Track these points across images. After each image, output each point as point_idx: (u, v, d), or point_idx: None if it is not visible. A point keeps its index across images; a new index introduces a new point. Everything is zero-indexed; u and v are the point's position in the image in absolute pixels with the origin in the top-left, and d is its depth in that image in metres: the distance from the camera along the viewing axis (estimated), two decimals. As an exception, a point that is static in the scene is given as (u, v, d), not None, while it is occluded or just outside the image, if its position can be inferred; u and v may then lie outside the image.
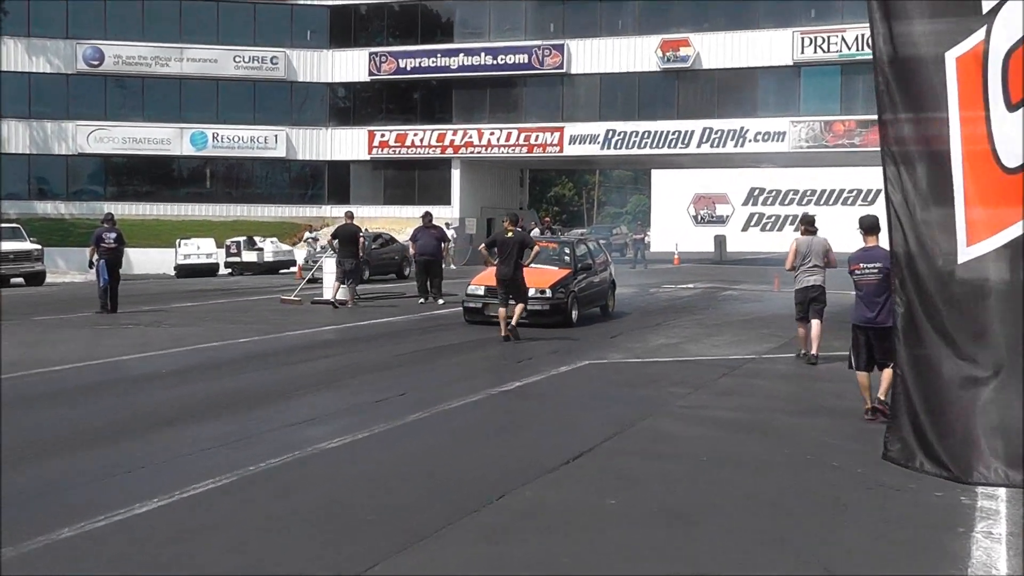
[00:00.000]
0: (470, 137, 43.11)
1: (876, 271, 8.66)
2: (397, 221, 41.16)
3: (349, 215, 21.38)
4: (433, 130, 43.70)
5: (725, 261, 43.68)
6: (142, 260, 36.60)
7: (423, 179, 44.52)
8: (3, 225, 31.27)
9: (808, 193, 56.08)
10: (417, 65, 43.82)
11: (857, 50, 37.67)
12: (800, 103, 39.71)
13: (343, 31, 45.33)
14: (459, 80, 43.63)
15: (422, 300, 20.71)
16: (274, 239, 38.36)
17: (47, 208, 44.26)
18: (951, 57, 6.84)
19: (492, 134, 42.80)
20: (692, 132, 40.54)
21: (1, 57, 43.13)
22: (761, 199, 57.84)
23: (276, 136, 45.03)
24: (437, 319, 17.94)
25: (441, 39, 44.29)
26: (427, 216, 21.85)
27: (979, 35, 6.75)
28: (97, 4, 43.81)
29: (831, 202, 55.23)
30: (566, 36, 42.23)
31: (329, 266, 20.86)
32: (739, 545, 5.62)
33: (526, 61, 42.40)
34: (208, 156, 45.36)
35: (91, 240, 18.74)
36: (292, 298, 21.08)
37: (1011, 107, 6.65)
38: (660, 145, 41.13)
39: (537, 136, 42.28)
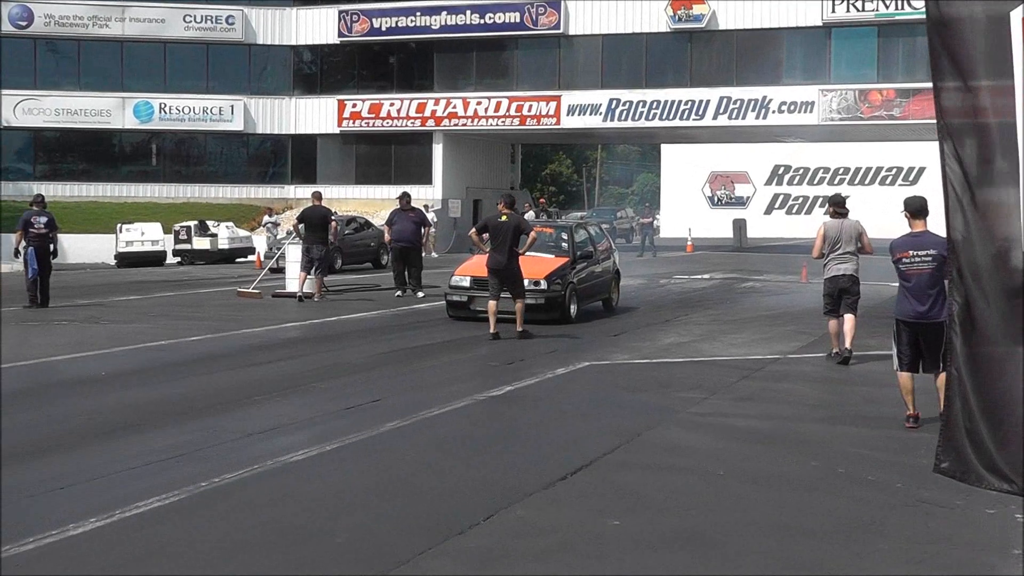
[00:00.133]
0: (454, 107, 43.04)
1: (930, 259, 8.67)
2: (370, 203, 41.05)
3: (317, 195, 21.36)
4: (412, 99, 43.62)
5: (745, 248, 43.73)
6: (77, 248, 36.50)
7: (400, 155, 44.46)
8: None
9: (840, 171, 56.45)
10: (393, 25, 43.72)
11: (896, 9, 37.70)
12: (831, 69, 39.69)
13: (308, -14, 45.24)
14: (441, 42, 43.55)
15: (399, 293, 20.75)
16: (230, 224, 38.34)
17: (-33, 189, 44.12)
18: (1017, 16, 6.82)
19: (479, 104, 42.73)
20: (707, 102, 40.49)
21: (-88, 16, 42.97)
22: (786, 178, 58.22)
23: (232, 107, 44.91)
24: (417, 314, 17.98)
25: (421, -5, 44.25)
26: (405, 198, 21.85)
27: None
28: (25, -45, 43.66)
29: (867, 181, 55.61)
30: (563, -9, 42.21)
31: (294, 254, 20.84)
32: (760, 573, 5.62)
33: (518, 20, 42.33)
34: (154, 130, 45.19)
35: (18, 225, 18.78)
36: (250, 291, 21.06)
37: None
38: (671, 117, 41.09)
39: (530, 106, 42.23)
